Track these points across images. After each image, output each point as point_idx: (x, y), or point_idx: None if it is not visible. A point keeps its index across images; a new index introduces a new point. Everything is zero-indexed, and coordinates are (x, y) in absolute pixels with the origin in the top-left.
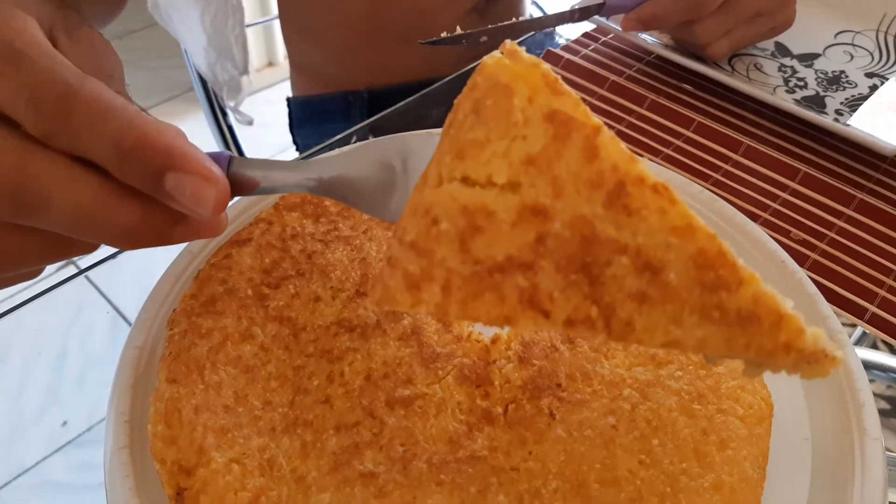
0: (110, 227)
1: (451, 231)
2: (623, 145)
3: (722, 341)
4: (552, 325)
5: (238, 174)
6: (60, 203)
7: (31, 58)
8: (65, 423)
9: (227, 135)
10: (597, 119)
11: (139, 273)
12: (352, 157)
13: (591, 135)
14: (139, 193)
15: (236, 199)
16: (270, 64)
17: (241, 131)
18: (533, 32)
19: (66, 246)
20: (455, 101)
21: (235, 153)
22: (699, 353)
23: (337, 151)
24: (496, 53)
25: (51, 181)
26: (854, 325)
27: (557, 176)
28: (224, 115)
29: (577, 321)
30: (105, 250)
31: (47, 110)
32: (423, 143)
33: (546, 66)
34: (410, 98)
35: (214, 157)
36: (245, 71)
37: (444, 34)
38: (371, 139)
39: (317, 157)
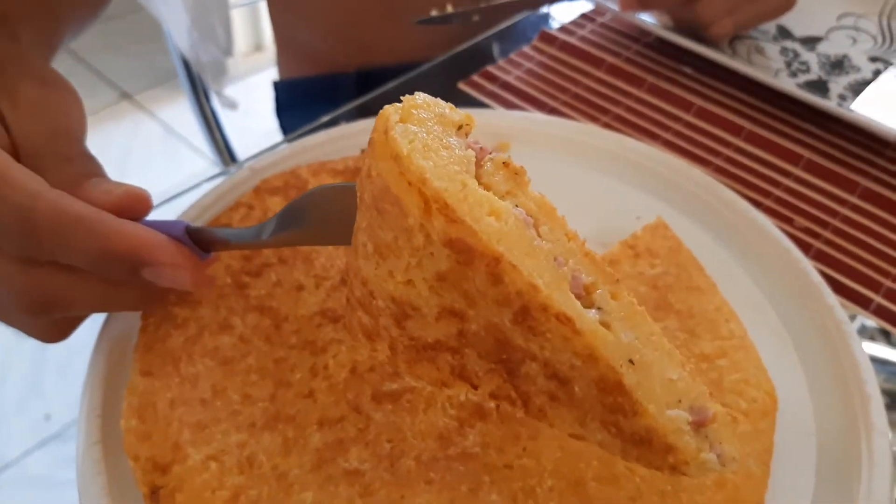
0: (121, 303)
1: (386, 309)
2: (526, 272)
3: (618, 449)
4: (481, 395)
5: (197, 238)
6: (69, 302)
7: None
8: (48, 416)
9: (210, 121)
10: (496, 248)
11: None
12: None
13: (492, 264)
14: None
15: (216, 182)
16: (257, 48)
17: (225, 117)
18: (526, 12)
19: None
20: (362, 169)
21: (221, 140)
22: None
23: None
24: (391, 115)
25: (54, 288)
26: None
27: (468, 291)
28: (208, 100)
29: (500, 396)
30: None
31: (15, 237)
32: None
33: (432, 178)
34: (399, 79)
35: (171, 226)
36: (229, 52)
37: (433, 12)
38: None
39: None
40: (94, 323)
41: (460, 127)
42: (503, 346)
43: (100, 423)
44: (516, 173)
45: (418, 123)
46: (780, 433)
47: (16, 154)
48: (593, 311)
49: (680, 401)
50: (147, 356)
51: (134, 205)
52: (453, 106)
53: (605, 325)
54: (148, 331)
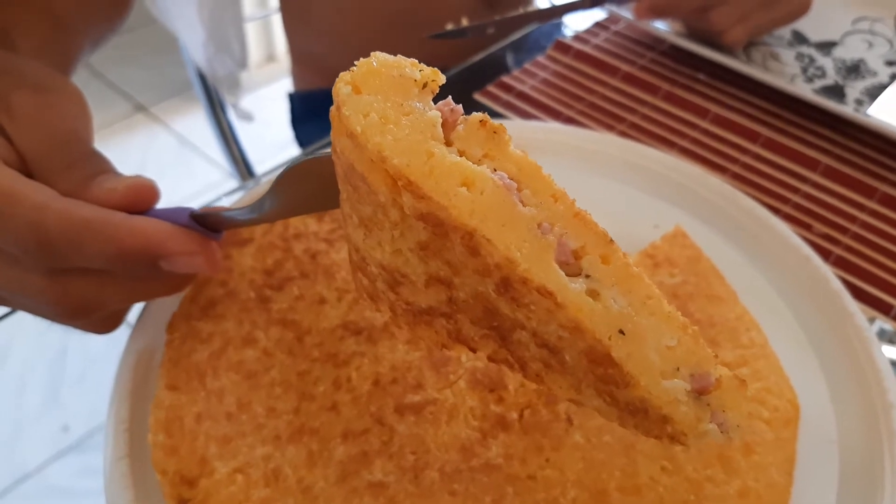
0: (153, 293)
1: (379, 276)
2: (501, 245)
3: (615, 416)
4: (481, 357)
5: (204, 221)
6: (102, 302)
7: None
8: (66, 427)
9: (226, 132)
10: (468, 221)
11: None
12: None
13: (466, 237)
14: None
15: (241, 193)
16: (270, 59)
17: (240, 129)
18: (540, 23)
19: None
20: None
21: (237, 152)
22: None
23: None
24: (342, 88)
25: (83, 293)
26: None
27: (450, 260)
28: (224, 111)
29: (498, 360)
30: None
31: (32, 249)
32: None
33: (392, 157)
34: None
35: (175, 211)
36: (244, 65)
37: (449, 26)
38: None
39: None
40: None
41: (425, 85)
42: (492, 314)
43: (127, 438)
44: (495, 132)
45: (374, 91)
46: (802, 441)
47: (23, 165)
48: (580, 279)
49: (678, 368)
50: (173, 371)
51: (140, 197)
52: (415, 62)
53: (594, 293)
54: (174, 345)
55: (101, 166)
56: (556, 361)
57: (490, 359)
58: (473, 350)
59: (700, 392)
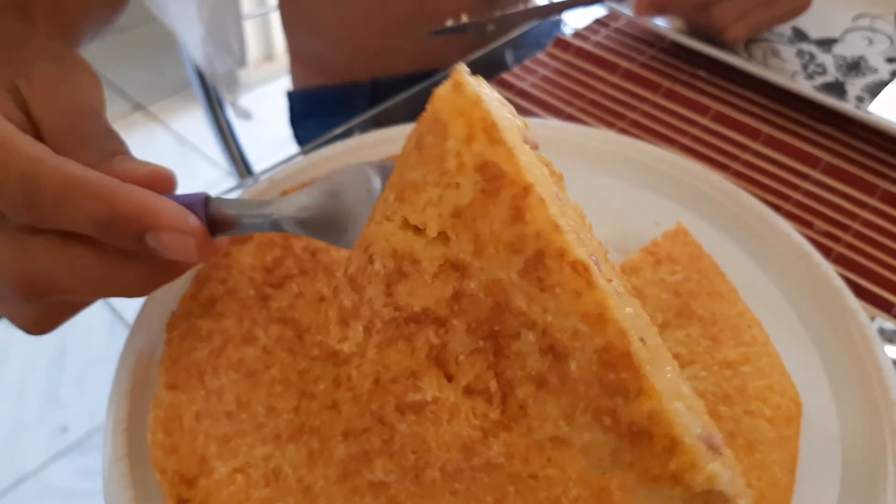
0: (120, 285)
1: (381, 272)
2: (552, 211)
3: (607, 451)
4: (452, 390)
5: (217, 213)
6: (66, 282)
7: None
8: (65, 428)
9: (225, 131)
10: (528, 178)
11: None
12: (322, 192)
13: (519, 195)
14: (113, 261)
15: (240, 191)
16: (268, 57)
17: (239, 127)
18: (540, 20)
19: (80, 303)
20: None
21: (236, 150)
22: (583, 457)
23: (305, 190)
24: (447, 83)
25: (51, 266)
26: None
27: (480, 234)
28: (222, 110)
29: (476, 391)
30: None
31: (17, 202)
32: (385, 172)
33: (488, 105)
34: (414, 89)
35: (190, 198)
36: (243, 62)
37: (449, 22)
38: (332, 173)
39: (288, 197)
40: (109, 335)
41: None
42: (499, 313)
43: (125, 437)
44: (557, 175)
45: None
46: (804, 439)
47: (38, 135)
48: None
49: (689, 407)
50: (173, 369)
51: (159, 185)
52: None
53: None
54: (173, 343)
55: (118, 146)
56: (555, 375)
57: (467, 391)
58: (450, 378)
59: (709, 446)
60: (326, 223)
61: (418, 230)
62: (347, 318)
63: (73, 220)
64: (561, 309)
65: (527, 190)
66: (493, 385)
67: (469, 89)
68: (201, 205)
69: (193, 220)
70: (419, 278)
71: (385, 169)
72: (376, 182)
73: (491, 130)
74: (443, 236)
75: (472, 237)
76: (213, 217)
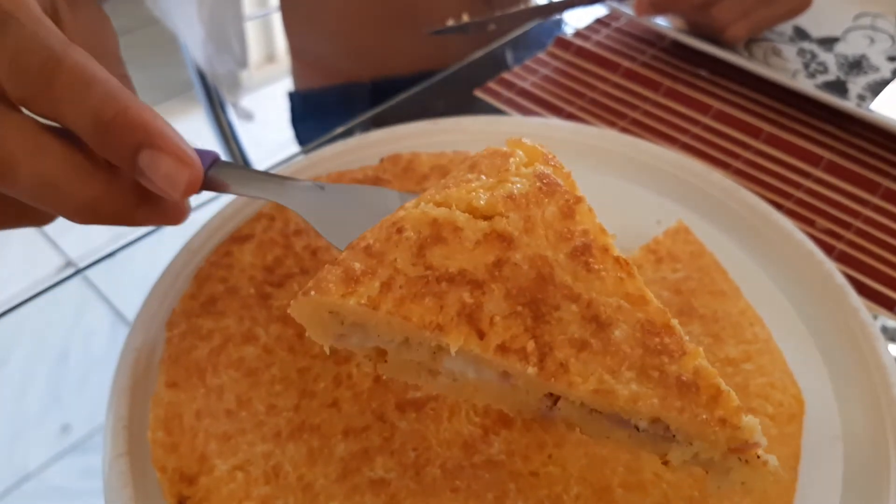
0: (73, 199)
1: (412, 238)
2: (597, 220)
3: (657, 400)
4: (483, 348)
5: (215, 178)
6: (25, 170)
7: (19, 21)
8: (66, 427)
9: (227, 132)
10: (580, 193)
11: (139, 274)
12: (343, 195)
13: (573, 201)
14: (106, 169)
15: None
16: (269, 59)
17: (241, 128)
18: (541, 19)
19: (22, 214)
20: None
21: (237, 151)
22: (629, 411)
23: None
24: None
25: (17, 147)
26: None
27: (532, 216)
28: (224, 111)
29: (510, 350)
30: (103, 248)
31: (29, 75)
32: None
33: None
34: (415, 88)
35: (202, 153)
36: (244, 63)
37: (450, 22)
38: (373, 187)
39: (301, 184)
40: (111, 336)
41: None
42: (543, 285)
43: (126, 435)
44: (564, 173)
45: None
46: (806, 437)
47: None
48: None
49: None
50: (173, 368)
51: None
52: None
53: None
54: (173, 342)
55: (133, 93)
56: (598, 339)
57: (500, 349)
58: (482, 335)
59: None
60: (328, 219)
61: (460, 208)
62: (357, 277)
63: (78, 109)
64: (605, 289)
65: (579, 199)
66: (531, 346)
67: (527, 142)
68: (208, 159)
69: (195, 157)
70: (459, 244)
71: (406, 198)
72: (395, 204)
73: (550, 159)
74: (487, 213)
75: (523, 217)
76: (210, 177)
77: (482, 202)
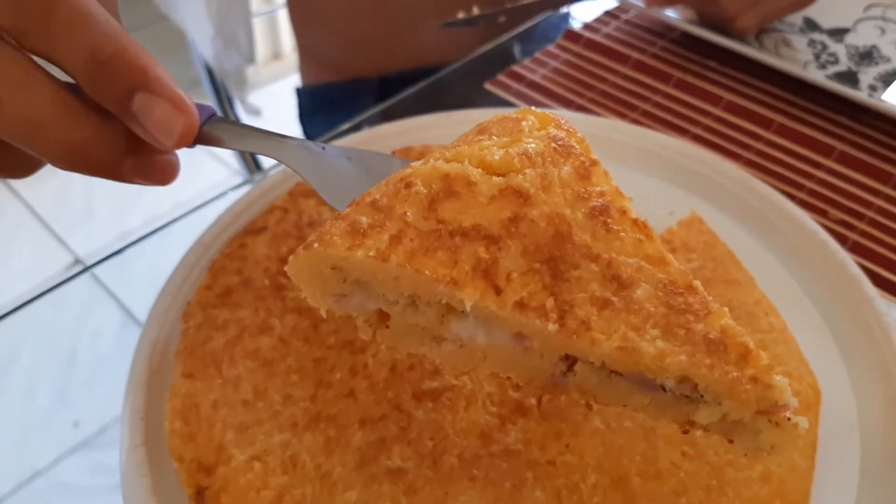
0: (60, 141)
1: (422, 192)
2: (613, 182)
3: (684, 356)
4: (500, 304)
5: (210, 132)
6: (13, 104)
7: None
8: (76, 424)
9: None
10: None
11: (147, 271)
12: (346, 157)
13: (588, 163)
14: (97, 114)
15: (248, 187)
16: (276, 56)
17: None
18: (552, 11)
19: (3, 160)
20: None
21: (245, 158)
22: (655, 369)
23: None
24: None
25: (7, 79)
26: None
27: (548, 174)
28: (232, 107)
29: (528, 307)
30: (111, 246)
31: (28, 8)
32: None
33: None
34: (424, 82)
35: (199, 107)
36: (252, 59)
37: (460, 15)
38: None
39: (302, 143)
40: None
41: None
42: (561, 243)
43: (142, 426)
44: (592, 160)
45: None
46: (822, 425)
47: None
48: None
49: None
50: (189, 359)
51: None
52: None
53: None
54: (189, 333)
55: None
56: (620, 298)
57: (518, 305)
58: (498, 291)
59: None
60: (328, 180)
61: (472, 163)
62: (364, 231)
63: (74, 47)
64: (625, 249)
65: (595, 162)
66: (550, 303)
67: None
68: (205, 113)
69: (192, 105)
70: (473, 199)
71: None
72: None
73: (563, 124)
74: (502, 169)
75: (539, 174)
76: (205, 131)
77: (496, 158)
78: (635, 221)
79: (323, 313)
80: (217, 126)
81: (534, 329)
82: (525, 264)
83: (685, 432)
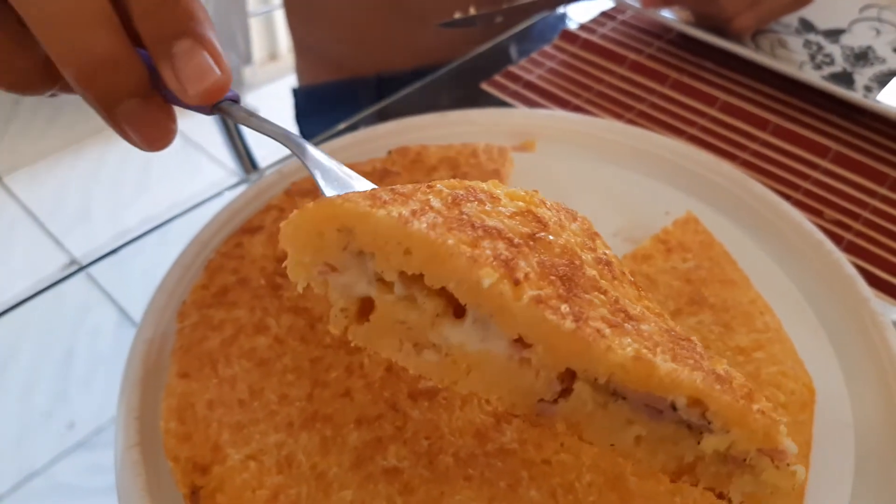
0: (85, 47)
1: (445, 191)
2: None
3: (698, 377)
4: (516, 294)
5: (230, 109)
6: (60, 20)
7: None
8: (73, 424)
9: (231, 129)
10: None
11: (143, 271)
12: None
13: (593, 231)
14: (129, 41)
15: (244, 186)
16: (272, 57)
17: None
18: (549, 11)
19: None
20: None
21: (241, 148)
22: (669, 385)
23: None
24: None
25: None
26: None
27: (562, 221)
28: None
29: (547, 305)
30: (107, 246)
31: None
32: None
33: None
34: (420, 82)
35: None
36: (248, 60)
37: (457, 15)
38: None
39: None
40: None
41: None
42: (573, 270)
43: (137, 426)
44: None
45: None
46: (817, 424)
47: None
48: None
49: None
50: (185, 358)
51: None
52: None
53: None
54: (185, 333)
55: None
56: (630, 325)
57: (536, 299)
58: (517, 282)
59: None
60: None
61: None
62: (386, 202)
63: None
64: (628, 295)
65: (597, 234)
66: (566, 308)
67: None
68: (231, 94)
69: (229, 70)
70: (495, 208)
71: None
72: None
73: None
74: (528, 197)
75: (555, 218)
76: (226, 106)
77: (521, 193)
78: (634, 283)
79: (299, 288)
80: (239, 109)
81: (547, 328)
82: (541, 274)
83: (674, 481)
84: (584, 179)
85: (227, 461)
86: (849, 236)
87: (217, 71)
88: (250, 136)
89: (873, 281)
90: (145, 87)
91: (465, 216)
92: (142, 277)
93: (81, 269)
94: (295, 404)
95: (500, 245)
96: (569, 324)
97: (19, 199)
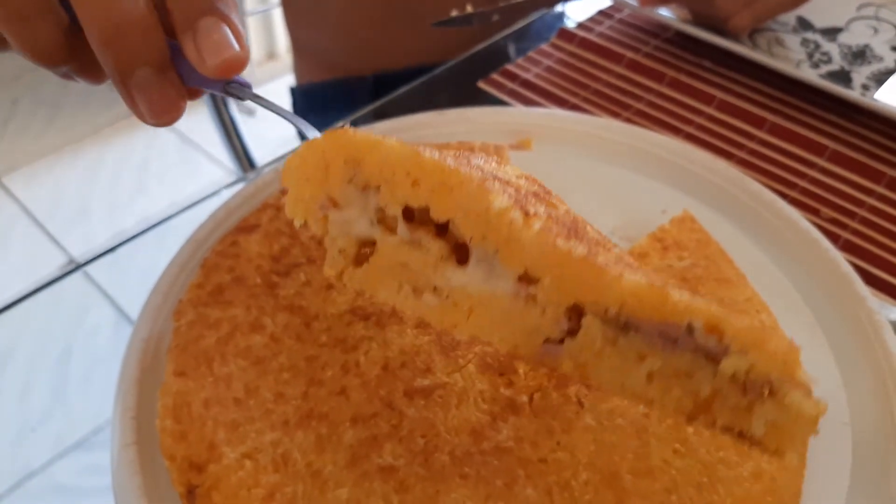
0: (116, 5)
1: (452, 152)
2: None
3: (714, 307)
4: (526, 223)
5: (243, 91)
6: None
7: None
8: (70, 424)
9: (229, 128)
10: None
11: (141, 270)
12: None
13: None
14: (154, 12)
15: (242, 184)
16: (270, 56)
17: (243, 124)
18: (546, 9)
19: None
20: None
21: (239, 147)
22: (684, 309)
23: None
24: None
25: None
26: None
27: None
28: (226, 107)
29: (555, 234)
30: (104, 246)
31: None
32: None
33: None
34: (417, 81)
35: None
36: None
37: (454, 13)
38: None
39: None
40: (114, 335)
41: None
42: (577, 228)
43: (134, 425)
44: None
45: None
46: None
47: None
48: None
49: None
50: (181, 357)
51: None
52: None
53: None
54: (181, 331)
55: None
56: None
57: (545, 229)
58: (527, 214)
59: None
60: None
61: None
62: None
63: None
64: (624, 260)
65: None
66: (575, 242)
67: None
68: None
69: (248, 50)
70: (502, 168)
71: None
72: None
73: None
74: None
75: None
76: (238, 89)
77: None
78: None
79: (297, 224)
80: (250, 93)
81: (557, 257)
82: (550, 219)
83: (690, 422)
84: (580, 177)
85: (222, 460)
86: (845, 234)
87: (236, 46)
88: (248, 135)
89: (870, 279)
90: (164, 59)
91: (475, 166)
92: (139, 276)
93: (78, 267)
94: (290, 403)
95: (510, 190)
96: (580, 250)
97: (17, 199)
